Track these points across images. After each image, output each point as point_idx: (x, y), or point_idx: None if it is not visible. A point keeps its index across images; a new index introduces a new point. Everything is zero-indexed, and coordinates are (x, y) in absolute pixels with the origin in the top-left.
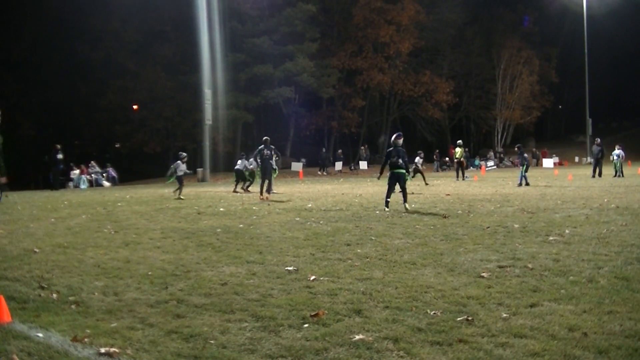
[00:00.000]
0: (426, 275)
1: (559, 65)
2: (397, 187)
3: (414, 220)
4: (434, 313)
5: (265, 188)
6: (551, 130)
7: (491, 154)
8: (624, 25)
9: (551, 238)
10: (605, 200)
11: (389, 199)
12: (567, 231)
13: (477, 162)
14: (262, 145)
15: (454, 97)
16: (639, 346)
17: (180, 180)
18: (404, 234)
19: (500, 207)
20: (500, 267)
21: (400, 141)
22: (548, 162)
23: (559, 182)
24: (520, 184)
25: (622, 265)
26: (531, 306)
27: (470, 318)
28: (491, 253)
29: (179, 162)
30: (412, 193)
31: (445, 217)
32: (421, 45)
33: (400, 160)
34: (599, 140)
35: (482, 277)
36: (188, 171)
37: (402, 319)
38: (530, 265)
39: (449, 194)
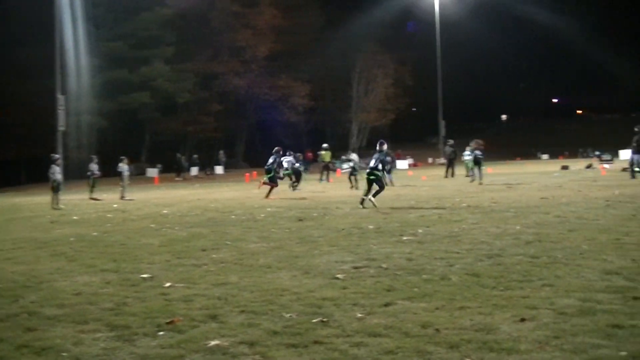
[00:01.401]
0: (282, 278)
1: (414, 69)
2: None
3: (270, 224)
4: (290, 316)
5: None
6: (406, 132)
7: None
8: (477, 31)
9: (405, 238)
10: (457, 199)
11: (364, 198)
12: (420, 230)
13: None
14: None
15: (310, 101)
16: (488, 339)
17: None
18: (260, 237)
19: (355, 208)
20: (355, 268)
21: (383, 147)
22: (402, 164)
23: (413, 182)
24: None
25: (472, 262)
26: (385, 305)
27: (325, 319)
28: (346, 254)
29: (53, 165)
30: (268, 197)
31: (300, 220)
32: (278, 49)
33: (373, 163)
34: (451, 141)
35: (338, 278)
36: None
37: (258, 323)
38: (384, 265)
39: (304, 198)
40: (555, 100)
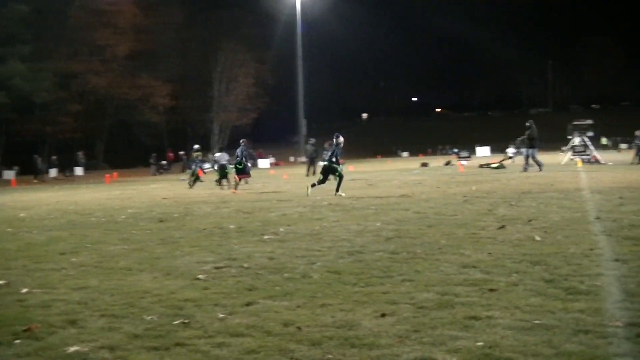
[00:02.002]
0: (143, 280)
1: (276, 68)
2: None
3: (130, 225)
4: (151, 318)
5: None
6: (267, 132)
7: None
8: (338, 31)
9: (266, 237)
10: (319, 197)
11: (315, 185)
12: (281, 229)
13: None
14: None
15: (171, 100)
16: (349, 335)
17: None
18: (121, 239)
19: (217, 208)
20: (216, 268)
21: (339, 140)
22: (264, 163)
23: (274, 181)
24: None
25: (334, 259)
26: (247, 305)
27: (187, 321)
28: (208, 255)
29: None
30: (132, 198)
31: (161, 220)
32: (139, 48)
33: (328, 155)
34: (312, 140)
35: (199, 279)
36: None
37: (118, 327)
38: (246, 265)
39: (166, 197)
40: (414, 99)
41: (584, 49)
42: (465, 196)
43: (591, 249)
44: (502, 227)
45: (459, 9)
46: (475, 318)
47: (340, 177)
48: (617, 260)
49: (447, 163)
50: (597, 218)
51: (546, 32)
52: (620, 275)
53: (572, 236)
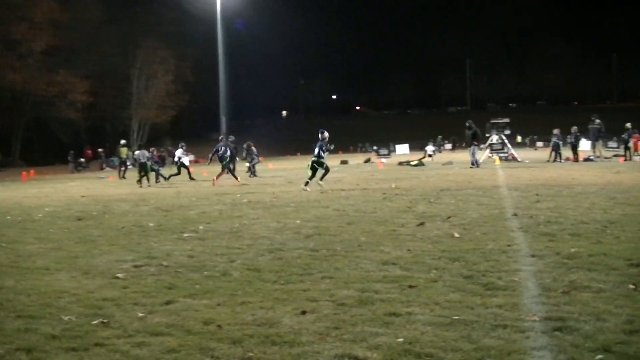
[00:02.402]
0: (61, 280)
1: (196, 65)
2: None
3: (48, 224)
4: (69, 318)
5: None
6: (187, 129)
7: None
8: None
9: (186, 235)
10: (238, 195)
11: (308, 183)
12: (201, 227)
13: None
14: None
15: (89, 97)
16: (270, 333)
17: None
18: (37, 238)
19: (136, 206)
20: (135, 266)
21: (324, 135)
22: (184, 160)
23: (194, 179)
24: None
25: (253, 257)
26: (167, 303)
27: (106, 320)
28: (127, 253)
29: None
30: (50, 196)
31: (80, 219)
32: (56, 44)
33: (317, 150)
34: (232, 137)
35: (118, 278)
36: None
37: (35, 328)
38: (165, 263)
39: (84, 195)
40: (334, 97)
41: (501, 49)
42: (384, 193)
43: (509, 245)
44: (421, 224)
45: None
46: (395, 314)
47: (327, 169)
48: (533, 256)
49: (367, 160)
50: (514, 215)
51: (465, 32)
52: (537, 271)
53: (490, 233)
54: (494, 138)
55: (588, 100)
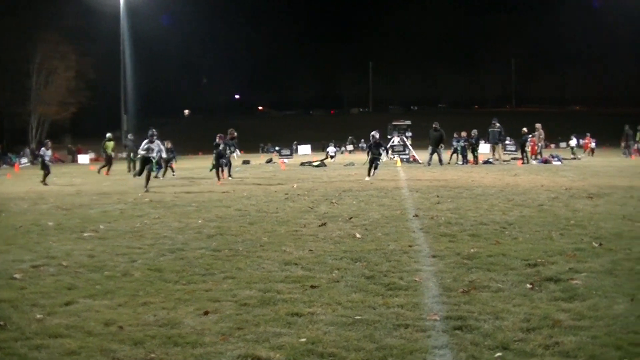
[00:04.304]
0: None
1: (99, 62)
2: None
3: None
4: None
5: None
6: (87, 126)
7: (27, 150)
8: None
9: (86, 234)
10: (139, 194)
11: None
12: (102, 226)
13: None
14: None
15: None
16: (172, 334)
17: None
18: None
19: (34, 205)
20: (34, 266)
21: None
22: (84, 159)
23: (95, 177)
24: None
25: (155, 257)
26: (67, 304)
27: (2, 323)
28: (25, 253)
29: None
30: None
31: None
32: None
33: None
34: (131, 136)
35: (15, 278)
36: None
37: None
38: (65, 263)
39: None
40: (237, 97)
41: (403, 52)
42: (286, 194)
43: (410, 246)
44: (323, 224)
45: (282, 7)
46: (297, 314)
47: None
48: (434, 256)
49: (269, 161)
50: (416, 216)
51: (369, 34)
52: (437, 271)
53: (392, 233)
54: (396, 140)
55: (488, 104)
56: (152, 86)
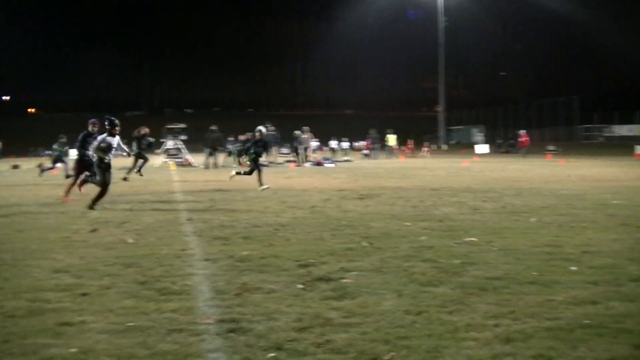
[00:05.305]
0: None
1: None
2: None
3: None
4: None
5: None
6: None
7: None
8: None
9: None
10: None
11: None
12: None
13: None
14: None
15: None
16: None
17: None
18: None
19: None
20: None
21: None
22: None
23: None
24: None
25: None
26: None
27: None
28: None
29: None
30: None
31: None
32: None
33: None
34: None
35: None
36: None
37: None
38: None
39: None
40: (5, 98)
41: (178, 54)
42: (59, 199)
43: (183, 250)
44: (94, 230)
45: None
46: (67, 324)
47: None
48: (207, 259)
49: (40, 165)
50: (189, 219)
51: (142, 36)
52: (211, 274)
53: (165, 238)
54: (170, 143)
55: (263, 107)
56: None
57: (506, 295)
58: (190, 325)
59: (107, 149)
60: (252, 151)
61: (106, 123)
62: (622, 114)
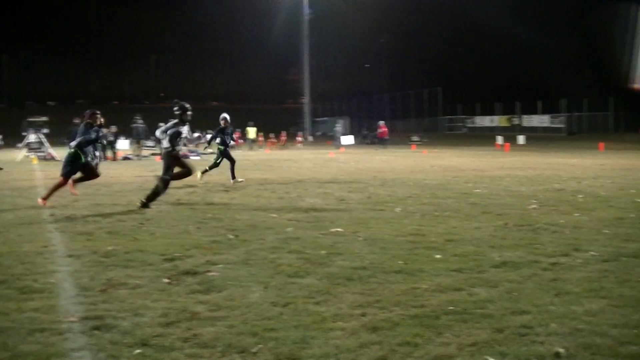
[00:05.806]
0: None
1: None
2: None
3: None
4: None
5: None
6: None
7: None
8: None
9: None
10: None
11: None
12: None
13: None
14: None
15: None
16: None
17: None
18: None
19: None
20: None
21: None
22: None
23: None
24: None
25: None
26: None
27: None
28: None
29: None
30: None
31: None
32: None
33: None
34: None
35: None
36: None
37: None
38: None
39: None
40: None
41: (39, 45)
42: None
43: (45, 246)
44: None
45: None
46: None
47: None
48: (70, 256)
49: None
50: (52, 215)
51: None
52: (74, 271)
53: (26, 234)
54: (32, 137)
55: (128, 99)
56: None
57: (372, 284)
58: (52, 324)
59: (176, 136)
60: (217, 141)
61: (175, 109)
62: (484, 106)
